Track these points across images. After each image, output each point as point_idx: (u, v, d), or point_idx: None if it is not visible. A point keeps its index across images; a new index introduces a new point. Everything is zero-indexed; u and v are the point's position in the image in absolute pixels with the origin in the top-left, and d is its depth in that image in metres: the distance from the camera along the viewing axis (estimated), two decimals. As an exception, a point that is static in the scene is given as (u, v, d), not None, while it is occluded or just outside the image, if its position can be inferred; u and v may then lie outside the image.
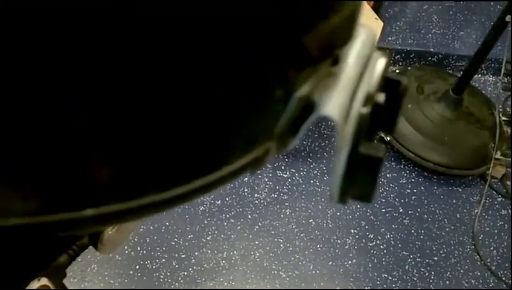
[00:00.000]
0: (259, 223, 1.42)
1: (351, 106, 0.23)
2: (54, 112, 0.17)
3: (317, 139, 1.64)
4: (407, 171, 1.62)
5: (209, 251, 1.35)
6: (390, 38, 1.88)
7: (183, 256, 1.33)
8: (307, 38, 0.22)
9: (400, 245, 1.45)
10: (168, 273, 1.30)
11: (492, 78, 1.94)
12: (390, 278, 1.38)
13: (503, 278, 1.43)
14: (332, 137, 1.65)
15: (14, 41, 0.16)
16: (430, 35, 1.93)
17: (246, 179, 1.50)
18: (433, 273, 1.41)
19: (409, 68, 1.83)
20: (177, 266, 1.31)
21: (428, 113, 1.62)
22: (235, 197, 1.46)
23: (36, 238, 0.41)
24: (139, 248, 1.33)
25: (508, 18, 1.36)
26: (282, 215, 1.45)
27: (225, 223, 1.41)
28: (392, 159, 1.64)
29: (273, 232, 1.41)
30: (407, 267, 1.41)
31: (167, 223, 1.38)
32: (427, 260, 1.43)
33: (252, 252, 1.37)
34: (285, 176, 1.53)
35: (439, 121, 1.61)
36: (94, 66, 0.17)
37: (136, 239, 1.34)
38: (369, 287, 1.36)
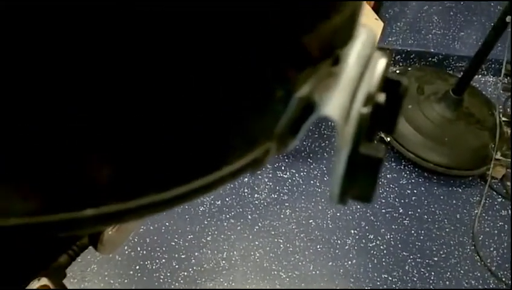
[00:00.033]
0: (259, 224, 1.42)
1: (351, 106, 0.23)
2: (54, 112, 0.17)
3: (317, 140, 1.64)
4: (407, 172, 1.62)
5: (209, 251, 1.35)
6: (390, 39, 1.88)
7: (183, 256, 1.33)
8: (308, 38, 0.22)
9: (400, 246, 1.45)
10: (168, 274, 1.30)
11: (493, 78, 1.94)
12: (390, 278, 1.38)
13: (503, 279, 1.43)
14: (333, 137, 1.65)
15: (14, 42, 0.16)
16: (430, 35, 1.93)
17: (246, 179, 1.50)
18: (433, 273, 1.41)
19: (409, 69, 1.83)
20: (177, 266, 1.31)
21: (428, 113, 1.62)
22: (235, 197, 1.46)
23: (36, 238, 0.41)
24: (139, 248, 1.33)
25: (508, 19, 1.36)
26: (282, 216, 1.45)
27: (225, 224, 1.41)
28: (392, 159, 1.64)
29: (273, 233, 1.41)
30: (407, 268, 1.41)
31: (167, 223, 1.38)
32: (427, 261, 1.43)
33: (252, 253, 1.37)
34: (285, 176, 1.53)
35: (440, 121, 1.61)
36: (94, 66, 0.17)
37: (136, 239, 1.34)
38: (369, 288, 1.36)
